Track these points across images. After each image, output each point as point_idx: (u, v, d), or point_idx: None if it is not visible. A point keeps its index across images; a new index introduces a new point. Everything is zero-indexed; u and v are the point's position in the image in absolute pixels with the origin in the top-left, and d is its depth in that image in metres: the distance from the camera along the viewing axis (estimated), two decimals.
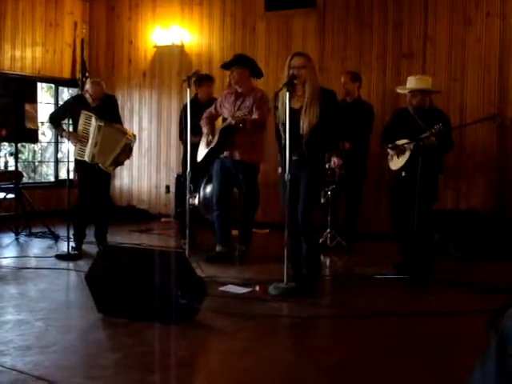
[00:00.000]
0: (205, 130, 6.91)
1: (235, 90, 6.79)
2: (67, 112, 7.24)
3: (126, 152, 7.33)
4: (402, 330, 4.65)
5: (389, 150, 6.32)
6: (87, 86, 7.31)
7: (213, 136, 6.81)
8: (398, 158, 6.24)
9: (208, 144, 6.83)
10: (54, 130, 9.48)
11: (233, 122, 6.53)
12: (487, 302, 5.24)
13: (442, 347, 4.19)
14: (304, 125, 5.47)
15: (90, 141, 7.07)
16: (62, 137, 7.90)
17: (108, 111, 7.22)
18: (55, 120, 7.46)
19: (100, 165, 7.13)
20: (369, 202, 8.24)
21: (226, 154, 6.77)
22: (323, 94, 5.51)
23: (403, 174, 6.18)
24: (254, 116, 6.56)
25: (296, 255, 5.68)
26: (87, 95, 7.20)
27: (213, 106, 7.00)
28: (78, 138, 7.12)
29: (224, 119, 6.90)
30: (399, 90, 6.51)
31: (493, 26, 7.85)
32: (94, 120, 7.04)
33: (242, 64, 6.72)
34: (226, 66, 6.89)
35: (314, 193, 5.74)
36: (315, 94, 5.47)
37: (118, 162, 7.39)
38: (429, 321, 4.88)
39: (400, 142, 6.17)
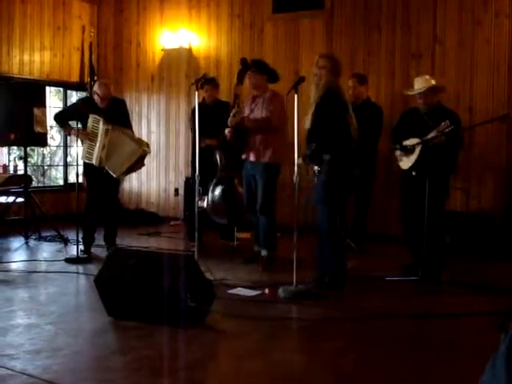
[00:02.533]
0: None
1: (253, 93, 6.83)
2: (75, 113, 7.25)
3: (141, 162, 7.34)
4: (413, 331, 4.63)
5: (397, 151, 6.32)
6: (95, 87, 7.31)
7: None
8: (406, 157, 6.23)
9: None
10: (60, 130, 9.41)
11: (229, 124, 6.61)
12: (497, 303, 5.21)
13: (452, 348, 4.18)
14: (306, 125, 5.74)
15: (97, 144, 7.08)
16: (69, 135, 7.93)
17: (116, 114, 7.21)
18: (60, 118, 7.43)
19: (111, 172, 7.11)
20: (378, 203, 8.22)
21: (243, 156, 6.78)
22: (325, 95, 5.64)
23: (414, 173, 6.17)
24: (263, 115, 6.56)
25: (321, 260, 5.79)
26: (95, 96, 7.21)
27: None
28: (88, 136, 7.10)
29: None
30: (408, 93, 6.49)
31: (502, 27, 7.82)
32: (101, 123, 7.04)
33: (258, 69, 6.66)
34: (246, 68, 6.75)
35: (325, 194, 5.75)
36: (317, 95, 5.67)
37: (131, 171, 7.42)
38: (439, 322, 4.86)
39: (408, 142, 6.17)
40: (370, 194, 7.83)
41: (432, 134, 5.88)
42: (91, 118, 7.09)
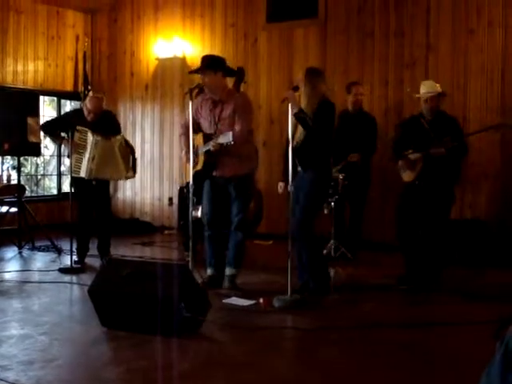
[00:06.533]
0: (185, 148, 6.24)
1: (211, 96, 6.12)
2: (62, 123, 7.25)
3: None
4: (407, 340, 4.61)
5: (400, 162, 6.30)
6: (86, 100, 7.32)
7: (195, 155, 6.12)
8: (410, 170, 6.20)
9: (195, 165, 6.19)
10: (50, 140, 9.34)
11: (212, 149, 5.84)
12: (492, 311, 5.19)
13: (447, 358, 4.16)
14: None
15: (86, 155, 7.04)
16: (60, 145, 7.91)
17: (104, 126, 7.21)
18: (48, 128, 7.44)
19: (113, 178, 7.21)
20: (373, 211, 8.21)
21: (215, 173, 6.12)
22: (319, 106, 5.62)
23: (416, 182, 6.16)
24: (237, 127, 5.88)
25: (300, 266, 5.73)
26: (84, 108, 7.24)
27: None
28: (75, 147, 7.05)
29: (207, 137, 6.05)
30: (416, 95, 6.46)
31: (495, 35, 7.84)
32: (89, 134, 7.02)
33: (210, 68, 5.96)
34: (195, 71, 6.28)
35: (311, 200, 5.74)
36: (307, 107, 5.60)
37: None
38: (434, 331, 4.85)
39: (411, 156, 6.14)
40: (365, 202, 7.83)
41: (434, 150, 5.88)
42: (78, 130, 7.06)
